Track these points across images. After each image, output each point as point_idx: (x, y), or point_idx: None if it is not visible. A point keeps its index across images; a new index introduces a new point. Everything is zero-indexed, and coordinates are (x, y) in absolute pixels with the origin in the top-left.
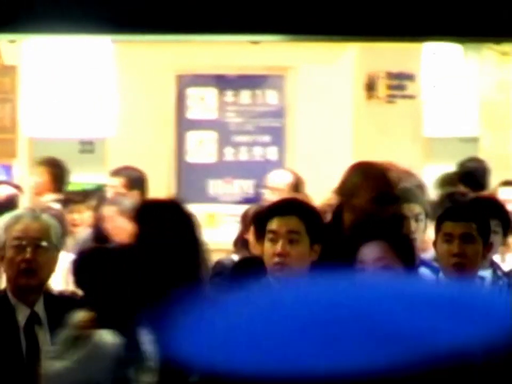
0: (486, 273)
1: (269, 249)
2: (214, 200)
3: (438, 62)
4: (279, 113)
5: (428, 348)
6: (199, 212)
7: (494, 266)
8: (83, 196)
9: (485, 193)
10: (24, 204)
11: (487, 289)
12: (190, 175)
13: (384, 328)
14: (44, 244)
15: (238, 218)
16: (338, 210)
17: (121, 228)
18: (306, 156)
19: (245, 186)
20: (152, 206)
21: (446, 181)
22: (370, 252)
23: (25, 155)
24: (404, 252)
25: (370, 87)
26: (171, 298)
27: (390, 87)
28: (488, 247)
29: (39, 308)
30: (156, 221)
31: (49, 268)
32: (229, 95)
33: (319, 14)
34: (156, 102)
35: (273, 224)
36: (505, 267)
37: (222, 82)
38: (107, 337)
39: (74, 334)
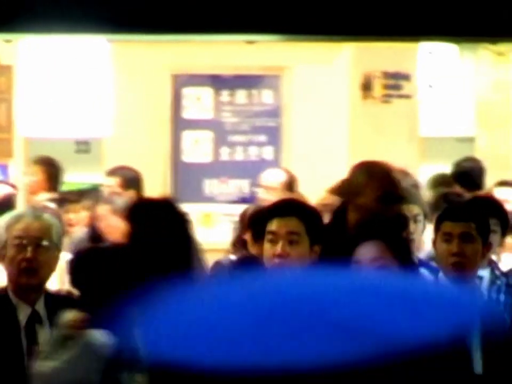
0: (484, 273)
1: (268, 250)
2: (209, 199)
3: (434, 61)
4: (275, 113)
5: (385, 341)
6: (195, 211)
7: (492, 265)
8: (79, 196)
9: (481, 193)
10: (19, 203)
11: (447, 286)
12: (186, 175)
13: (345, 323)
14: (45, 243)
15: (234, 218)
16: (341, 210)
17: (115, 227)
18: (302, 156)
19: (241, 186)
20: (145, 205)
21: (439, 182)
22: (366, 252)
23: (21, 155)
24: (401, 252)
25: (366, 86)
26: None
27: (386, 87)
28: (487, 247)
29: (40, 306)
30: (148, 219)
31: (50, 267)
32: (225, 95)
33: (314, 14)
34: (152, 101)
35: (273, 225)
36: (502, 266)
37: (218, 82)
38: (98, 337)
39: (64, 334)
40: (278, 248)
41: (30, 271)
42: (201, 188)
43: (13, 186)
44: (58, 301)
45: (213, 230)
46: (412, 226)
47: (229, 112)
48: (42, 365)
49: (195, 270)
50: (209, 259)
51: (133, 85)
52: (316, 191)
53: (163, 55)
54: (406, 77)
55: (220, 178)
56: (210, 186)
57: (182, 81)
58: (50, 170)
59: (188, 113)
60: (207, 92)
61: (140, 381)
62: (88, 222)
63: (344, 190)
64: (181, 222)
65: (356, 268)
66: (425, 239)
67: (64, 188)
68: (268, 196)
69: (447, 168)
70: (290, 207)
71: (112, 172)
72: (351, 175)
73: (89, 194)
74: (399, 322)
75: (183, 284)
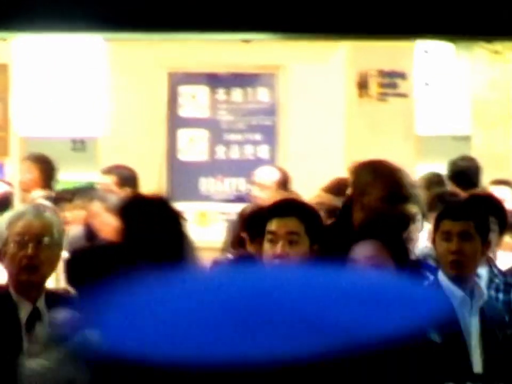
0: (482, 271)
1: (268, 250)
2: (205, 198)
3: (430, 60)
4: (270, 112)
5: (349, 337)
6: (191, 210)
7: (490, 264)
8: (74, 194)
9: (477, 192)
10: (16, 202)
11: (408, 283)
12: (182, 173)
13: (306, 318)
14: (46, 240)
15: (230, 217)
16: (346, 209)
17: (108, 224)
18: (298, 154)
19: (237, 184)
20: (137, 202)
21: (432, 181)
22: (362, 251)
23: (18, 153)
24: (397, 251)
25: (362, 85)
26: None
27: (382, 85)
28: (486, 245)
29: (41, 304)
30: (141, 216)
31: (51, 264)
32: (221, 93)
33: (310, 13)
34: (148, 100)
35: (273, 225)
36: (498, 265)
37: (214, 80)
38: (91, 337)
39: (57, 333)
40: (278, 248)
41: (31, 268)
42: (197, 187)
43: (9, 184)
44: (58, 299)
45: (209, 229)
46: (411, 226)
47: (224, 111)
48: (33, 363)
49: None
50: (205, 258)
51: (129, 84)
52: (312, 189)
53: (159, 53)
54: (402, 76)
55: (215, 176)
56: (206, 184)
57: (178, 79)
58: (45, 168)
59: (183, 111)
60: (203, 90)
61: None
62: (84, 220)
63: (351, 189)
64: (174, 219)
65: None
66: (420, 238)
67: (60, 186)
68: (262, 194)
69: (443, 166)
70: (290, 207)
71: (108, 171)
72: (356, 174)
73: (85, 192)
74: (359, 318)
75: (151, 278)
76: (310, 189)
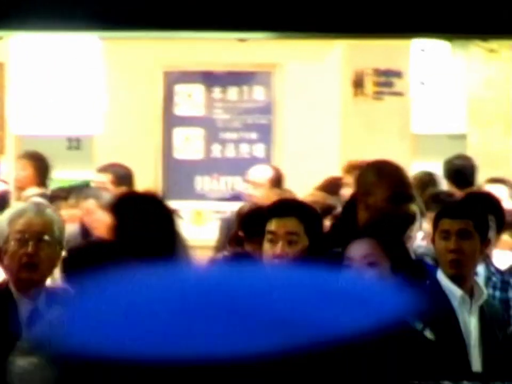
0: (479, 269)
1: (268, 250)
2: (201, 197)
3: (425, 59)
4: (266, 110)
5: (313, 334)
6: (186, 208)
7: (487, 261)
8: (70, 193)
9: (473, 190)
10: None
11: (374, 282)
12: (177, 172)
13: (274, 316)
14: (47, 238)
15: (225, 215)
16: (350, 209)
17: (102, 222)
18: (293, 153)
19: (232, 183)
20: (129, 199)
21: (424, 181)
22: (357, 249)
23: (13, 152)
24: (393, 251)
25: (358, 84)
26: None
27: (378, 84)
28: (486, 243)
29: (41, 302)
30: (133, 213)
31: (51, 262)
32: (217, 92)
33: (306, 11)
34: (144, 98)
35: (272, 225)
36: (495, 263)
37: (210, 79)
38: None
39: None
40: (277, 248)
41: (31, 266)
42: (193, 185)
43: (5, 183)
44: (58, 297)
45: (204, 227)
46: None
47: (220, 109)
48: (22, 360)
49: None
50: (201, 256)
51: (124, 82)
52: (308, 188)
53: (155, 52)
54: (397, 74)
55: (211, 175)
56: (202, 183)
57: (173, 78)
58: (39, 165)
59: (179, 110)
60: (198, 89)
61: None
62: (79, 219)
63: (355, 188)
64: (166, 216)
65: (348, 265)
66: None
67: (56, 184)
68: (256, 192)
69: (439, 165)
70: (289, 207)
71: (104, 169)
72: (361, 175)
73: (81, 191)
74: (325, 316)
75: (133, 276)
76: (306, 188)
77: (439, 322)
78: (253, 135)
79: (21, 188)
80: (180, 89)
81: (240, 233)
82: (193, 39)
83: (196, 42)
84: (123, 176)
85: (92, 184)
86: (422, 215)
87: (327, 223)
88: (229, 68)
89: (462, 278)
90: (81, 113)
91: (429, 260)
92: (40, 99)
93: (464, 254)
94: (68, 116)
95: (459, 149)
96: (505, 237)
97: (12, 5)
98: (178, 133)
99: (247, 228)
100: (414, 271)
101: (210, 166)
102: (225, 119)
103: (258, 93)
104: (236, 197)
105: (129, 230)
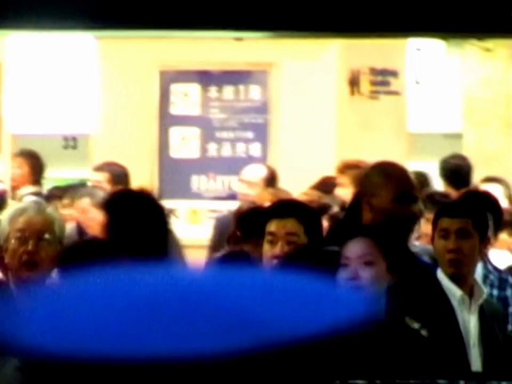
0: (477, 267)
1: (267, 251)
2: (197, 196)
3: (421, 58)
4: (262, 109)
5: (263, 333)
6: (182, 207)
7: (484, 259)
8: (66, 192)
9: (469, 189)
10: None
11: (334, 284)
12: (173, 171)
13: (225, 316)
14: (47, 236)
15: (219, 215)
16: (355, 210)
17: (95, 220)
18: (289, 152)
19: (228, 182)
20: (121, 197)
21: (419, 182)
22: (354, 248)
23: (9, 151)
24: (390, 250)
25: (354, 83)
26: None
27: (374, 83)
28: (485, 243)
29: None
30: (124, 211)
31: (51, 261)
32: (212, 91)
33: (302, 11)
34: (139, 98)
35: (272, 226)
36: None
37: (206, 78)
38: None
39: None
40: (277, 249)
41: (31, 264)
42: (189, 184)
43: (1, 182)
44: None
45: (200, 226)
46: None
47: (216, 109)
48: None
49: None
50: (196, 255)
51: (120, 81)
52: (304, 187)
53: (150, 51)
54: (393, 73)
55: (207, 174)
56: (198, 182)
57: (169, 77)
58: (34, 163)
59: (175, 109)
60: (194, 88)
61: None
62: (76, 218)
63: (360, 189)
64: (158, 213)
65: (343, 264)
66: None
67: (52, 184)
68: (249, 191)
69: (434, 164)
70: (289, 208)
71: (100, 168)
72: (366, 176)
73: (76, 190)
74: (276, 316)
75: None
76: (301, 187)
77: (438, 321)
78: (249, 134)
79: (15, 187)
80: (176, 89)
81: (238, 233)
82: (189, 38)
83: (191, 41)
84: (119, 175)
85: (88, 183)
86: (421, 214)
87: (324, 222)
88: (225, 67)
89: (462, 277)
90: (78, 113)
91: (426, 258)
92: (36, 98)
93: (463, 254)
94: (64, 115)
95: (455, 148)
96: (503, 236)
97: (7, 4)
98: (175, 132)
99: (244, 227)
100: (412, 271)
101: (206, 165)
102: (221, 118)
103: (254, 92)
104: (232, 196)
105: (121, 228)
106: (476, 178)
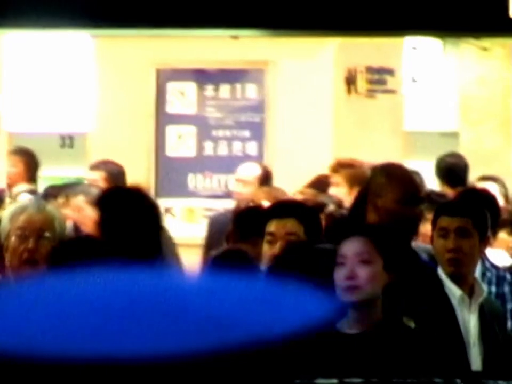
0: None
1: (267, 251)
2: (193, 194)
3: (418, 57)
4: (258, 108)
5: (241, 335)
6: (179, 206)
7: (482, 257)
8: (60, 190)
9: (465, 188)
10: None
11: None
12: (170, 170)
13: (202, 316)
14: (47, 234)
15: (213, 213)
16: (359, 210)
17: (90, 218)
18: (286, 151)
19: (225, 181)
20: (113, 194)
21: None
22: (350, 246)
23: (5, 150)
24: (386, 249)
25: (351, 81)
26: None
27: (370, 82)
28: (485, 241)
29: None
30: (116, 208)
31: None
32: (209, 90)
33: (299, 9)
34: (136, 96)
35: (272, 226)
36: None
37: (202, 76)
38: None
39: None
40: (276, 249)
41: (31, 262)
42: (185, 183)
43: None
44: None
45: (196, 225)
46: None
47: (212, 107)
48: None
49: (164, 260)
50: (193, 253)
51: (116, 80)
52: (300, 186)
53: (147, 50)
54: (390, 72)
55: (203, 173)
56: (194, 181)
57: (166, 76)
58: (29, 161)
59: (171, 108)
60: (191, 87)
61: None
62: (71, 216)
63: (365, 191)
64: (150, 211)
65: (340, 263)
66: None
67: (48, 182)
68: (244, 190)
69: (431, 163)
70: (289, 208)
71: (96, 166)
72: (371, 177)
73: (72, 188)
74: (253, 318)
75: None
76: (298, 186)
77: (438, 321)
78: (246, 133)
79: (11, 185)
80: (172, 87)
81: (236, 232)
82: (185, 36)
83: (188, 40)
84: (115, 173)
85: (85, 182)
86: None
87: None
88: (221, 66)
89: (462, 276)
90: (74, 111)
91: (425, 258)
92: (33, 97)
93: (463, 253)
94: (61, 113)
95: (451, 146)
96: (502, 235)
97: (3, 3)
98: (171, 131)
99: (243, 226)
100: (411, 270)
101: (202, 163)
102: (217, 117)
103: (250, 91)
104: (228, 195)
105: (113, 225)
106: (472, 177)
